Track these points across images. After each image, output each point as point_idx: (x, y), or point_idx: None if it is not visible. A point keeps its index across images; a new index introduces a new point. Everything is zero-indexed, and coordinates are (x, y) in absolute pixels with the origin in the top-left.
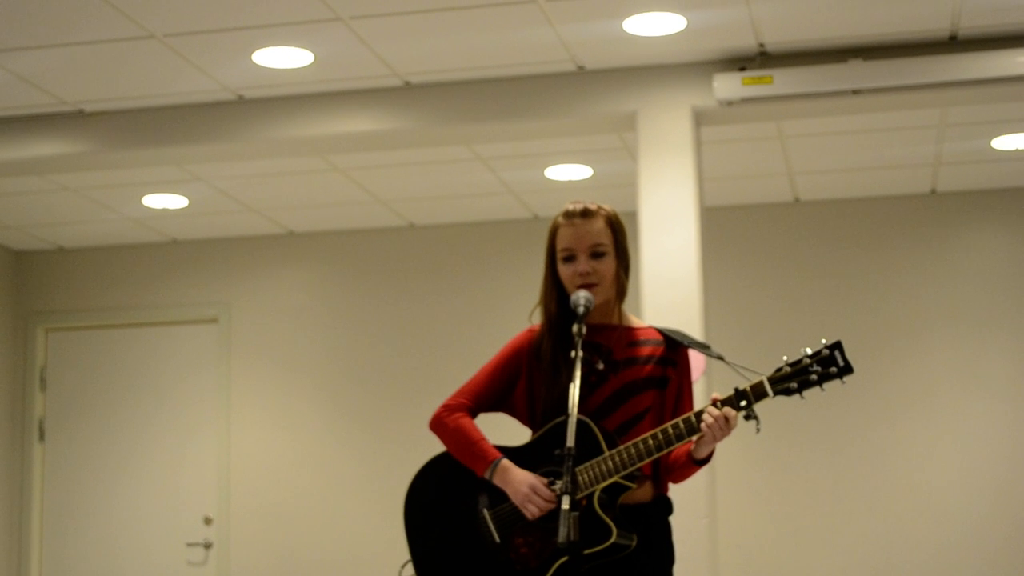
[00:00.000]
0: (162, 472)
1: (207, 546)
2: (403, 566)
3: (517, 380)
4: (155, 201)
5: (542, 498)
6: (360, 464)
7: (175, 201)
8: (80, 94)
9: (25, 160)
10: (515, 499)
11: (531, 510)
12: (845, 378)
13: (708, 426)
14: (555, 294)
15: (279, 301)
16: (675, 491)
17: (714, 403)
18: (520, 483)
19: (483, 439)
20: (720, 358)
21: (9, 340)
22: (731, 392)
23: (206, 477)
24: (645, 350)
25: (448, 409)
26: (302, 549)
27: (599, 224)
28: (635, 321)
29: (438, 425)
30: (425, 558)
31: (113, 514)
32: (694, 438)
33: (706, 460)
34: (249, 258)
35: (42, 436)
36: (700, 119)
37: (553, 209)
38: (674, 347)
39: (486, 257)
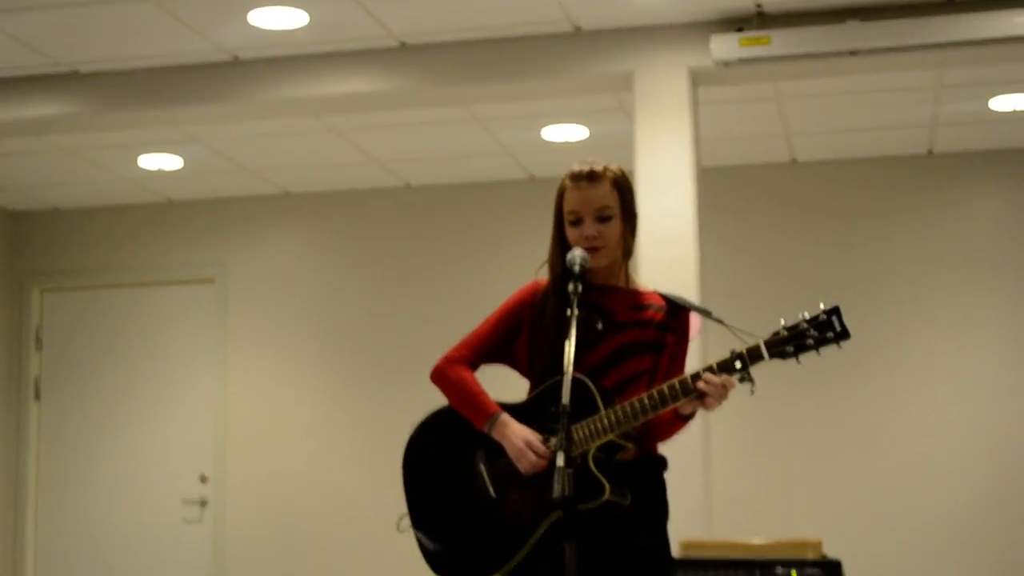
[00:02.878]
0: (158, 430)
1: (203, 504)
2: (401, 518)
3: (519, 333)
4: (151, 162)
5: (536, 454)
6: (355, 422)
7: (171, 162)
8: (75, 55)
9: (20, 121)
10: (510, 453)
11: (524, 465)
12: (842, 343)
13: (705, 390)
14: (561, 254)
15: (275, 261)
16: (669, 448)
17: (710, 369)
18: (516, 437)
19: (484, 393)
20: (720, 321)
21: (5, 300)
22: (727, 354)
23: (202, 435)
24: (647, 314)
25: (449, 361)
26: (298, 506)
27: (605, 187)
28: (640, 284)
29: (439, 377)
30: (422, 511)
31: (109, 472)
32: (692, 400)
33: (692, 415)
34: (245, 219)
35: (38, 396)
36: (697, 80)
37: (550, 170)
38: (675, 313)
39: (482, 218)
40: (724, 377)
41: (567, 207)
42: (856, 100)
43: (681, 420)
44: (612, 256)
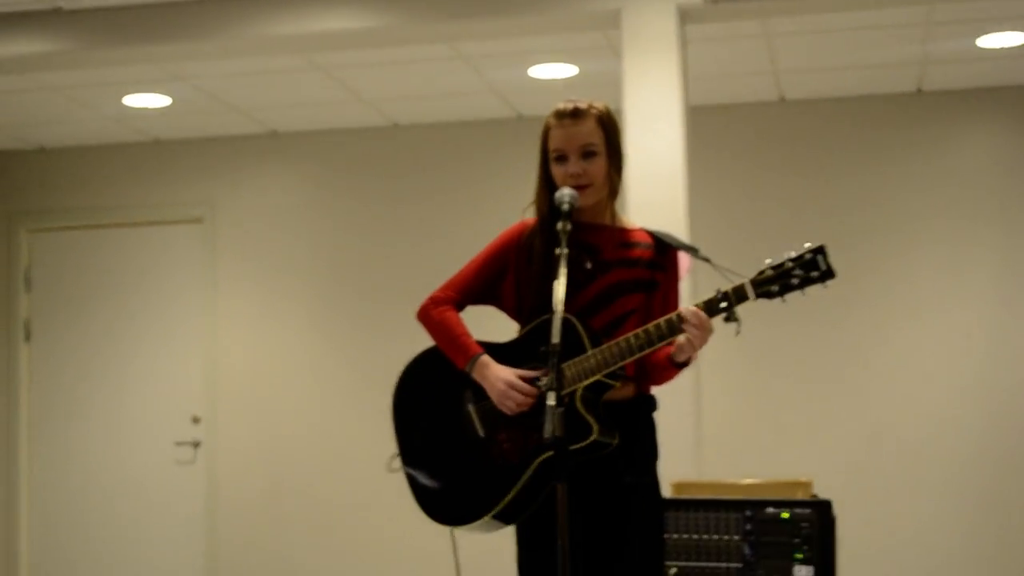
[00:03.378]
0: (149, 372)
1: (195, 445)
2: (391, 458)
3: (505, 273)
4: (136, 100)
5: (520, 393)
6: (345, 362)
7: (157, 100)
8: None
9: (2, 59)
10: (492, 395)
11: (508, 406)
12: (828, 282)
13: (687, 324)
14: (547, 194)
15: (263, 201)
16: (659, 389)
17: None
18: (497, 379)
19: (466, 333)
20: (707, 260)
21: None
22: (714, 293)
23: (193, 376)
24: (635, 252)
25: (435, 302)
26: (290, 447)
27: (590, 124)
28: (627, 222)
29: (424, 317)
30: (412, 452)
31: (100, 414)
32: (680, 338)
33: (686, 363)
34: (233, 158)
35: (28, 337)
36: (685, 17)
37: (537, 108)
38: (663, 250)
39: (470, 157)
40: (703, 316)
41: (552, 145)
42: (845, 38)
43: (675, 367)
44: (598, 194)
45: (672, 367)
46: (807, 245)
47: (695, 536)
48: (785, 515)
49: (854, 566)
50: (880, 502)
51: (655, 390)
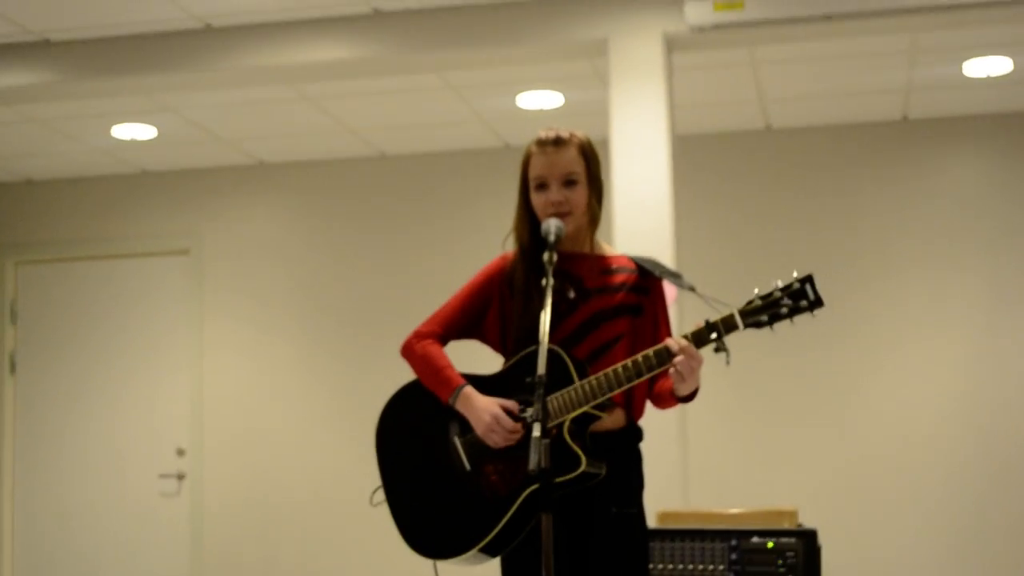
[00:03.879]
0: (134, 404)
1: (180, 477)
2: (374, 492)
3: (489, 307)
4: (124, 131)
5: (505, 428)
6: (331, 394)
7: (144, 131)
8: (45, 23)
9: None
10: (477, 428)
11: (494, 439)
12: (816, 312)
13: (677, 354)
14: (527, 223)
15: (251, 232)
16: (645, 417)
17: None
18: (483, 411)
19: (449, 366)
20: (692, 289)
21: None
22: (702, 324)
23: (178, 408)
24: (618, 278)
25: (418, 336)
26: (275, 480)
27: (571, 153)
28: (608, 249)
29: (408, 352)
30: (396, 485)
31: (85, 446)
32: (669, 371)
33: (689, 398)
34: (220, 189)
35: (13, 369)
36: (672, 45)
37: (524, 138)
38: (647, 275)
39: (457, 186)
40: (691, 348)
41: (533, 173)
42: (831, 66)
43: (678, 400)
44: (579, 223)
45: (674, 399)
46: (795, 274)
47: (680, 566)
48: (771, 544)
49: None
50: (866, 531)
51: (642, 421)
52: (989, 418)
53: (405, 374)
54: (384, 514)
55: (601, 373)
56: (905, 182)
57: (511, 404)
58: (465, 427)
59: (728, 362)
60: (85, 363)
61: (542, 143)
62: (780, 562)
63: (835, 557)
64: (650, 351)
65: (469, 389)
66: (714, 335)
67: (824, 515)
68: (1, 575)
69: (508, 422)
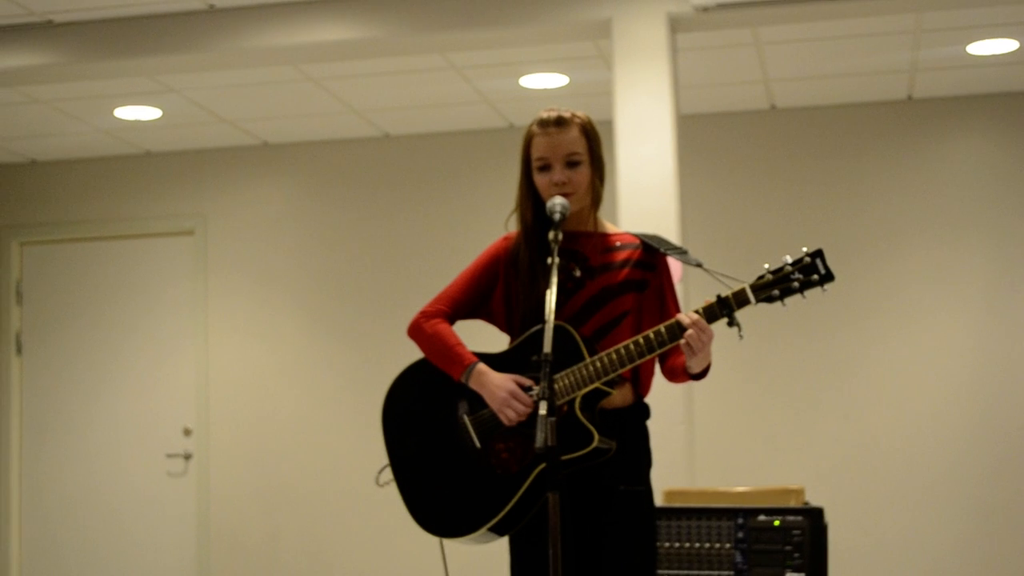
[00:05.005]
0: (141, 384)
1: (186, 457)
2: (381, 471)
3: (494, 287)
4: (128, 113)
5: (521, 403)
6: (337, 373)
7: (148, 113)
8: (49, 4)
9: None
10: (492, 404)
11: (509, 415)
12: (826, 286)
13: (688, 328)
14: (530, 202)
15: (255, 212)
16: (652, 396)
17: (695, 313)
18: (497, 388)
19: (460, 344)
20: (699, 265)
21: None
22: (713, 299)
23: (185, 388)
24: (621, 255)
25: (426, 315)
26: (281, 458)
27: (573, 133)
28: (610, 227)
29: (416, 331)
30: (405, 464)
31: (92, 426)
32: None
33: (702, 375)
34: (224, 170)
35: (19, 350)
36: (676, 25)
37: (528, 118)
38: (652, 251)
39: (461, 167)
40: (702, 322)
41: (535, 153)
42: (835, 46)
43: (691, 377)
44: (582, 202)
45: (686, 376)
46: (805, 249)
47: (687, 544)
48: (777, 523)
49: (845, 573)
50: (871, 509)
51: (647, 397)
52: (994, 398)
53: (410, 353)
54: (391, 494)
55: (612, 349)
56: (910, 162)
57: (526, 380)
58: (474, 405)
59: (741, 336)
60: (91, 343)
61: (544, 123)
62: (787, 540)
63: (841, 535)
64: (661, 326)
65: (482, 366)
66: (726, 310)
67: (830, 495)
68: (9, 555)
69: (524, 397)
